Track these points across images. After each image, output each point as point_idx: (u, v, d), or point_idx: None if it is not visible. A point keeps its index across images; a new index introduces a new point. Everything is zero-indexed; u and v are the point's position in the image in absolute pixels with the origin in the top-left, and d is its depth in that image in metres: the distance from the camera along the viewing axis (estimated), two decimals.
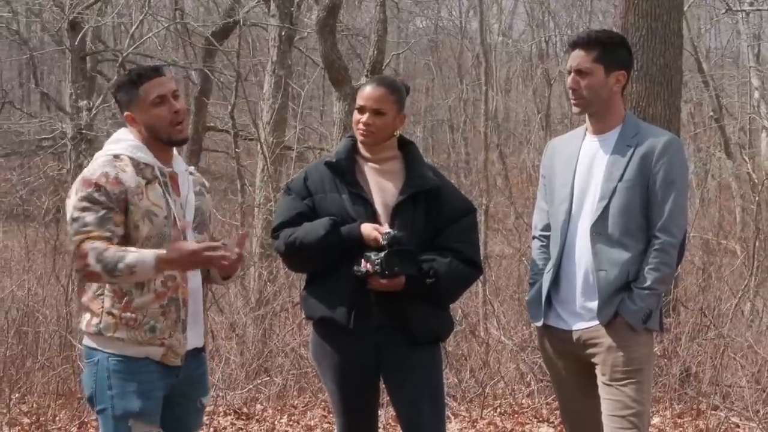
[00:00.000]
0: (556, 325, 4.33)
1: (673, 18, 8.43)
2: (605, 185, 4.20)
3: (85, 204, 3.72)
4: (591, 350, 4.24)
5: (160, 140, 3.87)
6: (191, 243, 3.74)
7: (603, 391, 4.22)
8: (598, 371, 4.24)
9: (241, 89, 16.69)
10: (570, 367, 4.36)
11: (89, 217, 3.71)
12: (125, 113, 3.90)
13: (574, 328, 4.27)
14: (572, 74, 4.27)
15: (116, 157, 3.84)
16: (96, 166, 3.81)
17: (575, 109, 4.33)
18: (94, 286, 3.81)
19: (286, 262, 4.49)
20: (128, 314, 3.77)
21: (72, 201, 3.76)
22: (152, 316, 3.79)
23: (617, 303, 4.17)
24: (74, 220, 3.73)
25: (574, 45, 4.28)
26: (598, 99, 4.25)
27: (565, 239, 4.28)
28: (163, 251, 3.67)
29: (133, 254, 3.67)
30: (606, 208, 4.19)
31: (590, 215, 4.22)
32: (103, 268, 3.66)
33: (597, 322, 4.20)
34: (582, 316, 4.25)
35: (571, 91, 4.29)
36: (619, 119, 4.30)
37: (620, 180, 4.19)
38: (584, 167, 4.28)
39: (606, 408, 4.20)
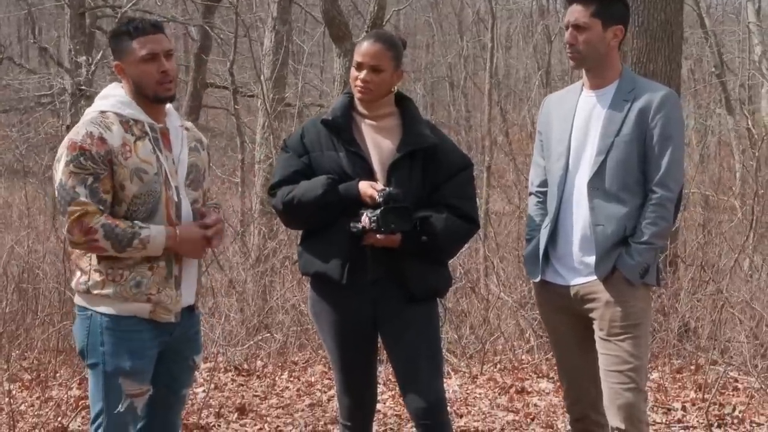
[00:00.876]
0: (553, 280, 4.34)
1: None
2: (602, 140, 4.19)
3: (71, 169, 3.71)
4: (588, 305, 4.25)
5: (146, 97, 3.84)
6: (203, 232, 3.86)
7: (600, 346, 4.23)
8: (595, 326, 4.25)
9: (241, 45, 16.61)
10: (567, 323, 4.37)
11: (79, 187, 3.70)
12: (115, 62, 3.87)
13: (571, 283, 4.28)
14: (570, 29, 4.25)
15: (102, 113, 3.82)
16: (81, 126, 3.79)
17: (572, 63, 4.32)
18: None
19: (283, 220, 4.48)
20: (113, 270, 3.78)
21: (60, 165, 3.75)
22: (138, 271, 3.79)
23: (615, 258, 4.17)
24: (62, 186, 3.73)
25: (571, 0, 4.26)
26: (596, 54, 4.23)
27: (562, 195, 4.28)
28: (174, 236, 3.78)
29: (144, 230, 3.74)
30: (603, 163, 4.18)
31: (587, 170, 4.21)
32: (112, 244, 3.71)
33: (594, 277, 4.21)
34: (579, 272, 4.26)
35: (568, 45, 4.27)
36: (616, 74, 4.28)
37: (617, 135, 4.18)
38: (581, 122, 4.27)
39: (603, 363, 4.22)
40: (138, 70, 3.81)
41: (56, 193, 3.78)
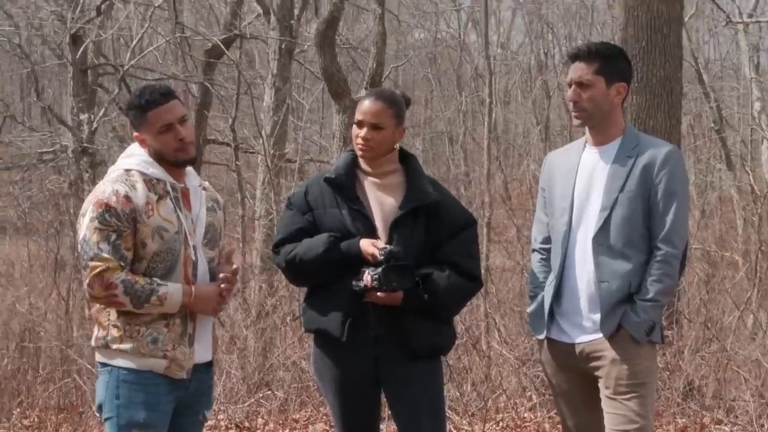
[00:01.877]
0: (558, 338, 4.32)
1: (672, 30, 8.43)
2: (606, 196, 4.19)
3: (96, 225, 3.81)
4: (594, 363, 4.22)
5: (167, 162, 3.93)
6: (214, 290, 3.93)
7: (606, 405, 4.20)
8: (601, 384, 4.22)
9: (242, 102, 16.70)
10: (572, 381, 4.34)
11: (102, 243, 3.79)
12: (135, 134, 3.97)
13: (576, 341, 4.26)
14: (573, 87, 4.26)
15: (127, 172, 3.91)
16: (107, 183, 3.89)
17: (576, 122, 4.32)
18: None
19: (287, 277, 4.52)
20: (131, 326, 3.84)
21: (85, 220, 3.84)
22: (155, 328, 3.86)
23: (620, 315, 4.16)
24: (86, 241, 3.82)
25: (575, 57, 4.27)
26: (600, 111, 4.24)
27: (566, 251, 4.27)
28: (190, 294, 3.85)
29: (162, 288, 3.81)
30: (608, 219, 4.18)
31: (592, 226, 4.21)
32: (130, 300, 3.79)
33: (600, 335, 4.19)
34: (585, 329, 4.24)
35: (572, 103, 4.28)
36: (619, 131, 4.29)
37: (621, 190, 4.18)
38: (584, 178, 4.27)
39: (609, 422, 4.18)
40: (156, 141, 3.91)
41: (79, 247, 3.87)
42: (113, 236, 3.79)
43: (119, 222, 3.80)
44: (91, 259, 3.79)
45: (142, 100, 3.91)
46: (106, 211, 3.80)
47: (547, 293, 4.34)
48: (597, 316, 4.19)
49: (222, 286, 3.96)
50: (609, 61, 4.25)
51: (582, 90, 4.23)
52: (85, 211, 3.86)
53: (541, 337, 4.36)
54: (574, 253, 4.26)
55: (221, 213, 4.17)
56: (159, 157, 3.93)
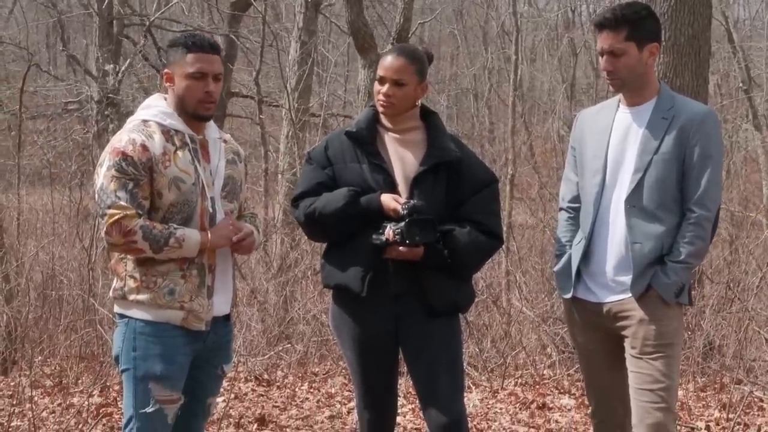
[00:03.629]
0: (585, 297, 4.30)
1: None
2: (640, 158, 4.16)
3: (113, 173, 3.80)
4: (621, 323, 4.21)
5: (185, 112, 3.92)
6: (231, 233, 3.90)
7: (632, 364, 4.20)
8: (627, 344, 4.21)
9: (267, 55, 16.65)
10: (598, 340, 4.33)
11: (120, 191, 3.79)
12: (165, 70, 3.95)
13: (604, 300, 4.24)
14: (605, 56, 4.20)
15: (145, 122, 3.90)
16: (124, 132, 3.88)
17: (612, 89, 4.28)
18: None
19: (306, 232, 4.48)
20: (148, 277, 3.85)
21: (102, 169, 3.84)
22: (172, 279, 3.85)
23: (650, 276, 4.14)
24: (103, 189, 3.82)
25: (601, 26, 4.19)
26: (635, 76, 4.20)
27: (597, 211, 4.24)
28: (208, 236, 3.84)
29: (179, 230, 3.81)
30: (641, 181, 4.15)
31: (625, 188, 4.18)
32: (150, 245, 3.79)
33: (628, 295, 4.17)
34: (613, 289, 4.22)
35: (606, 72, 4.22)
36: (654, 91, 4.25)
37: (656, 152, 4.15)
38: (618, 139, 4.23)
39: (634, 381, 4.18)
40: (184, 84, 3.89)
41: (96, 196, 3.87)
42: (130, 184, 3.79)
43: (136, 171, 3.79)
44: (109, 207, 3.78)
45: (189, 40, 3.90)
46: (123, 159, 3.79)
47: (575, 252, 4.31)
48: (626, 278, 4.17)
49: (235, 237, 3.94)
50: (637, 25, 4.17)
51: (614, 58, 4.18)
52: (102, 161, 3.86)
53: (568, 296, 4.34)
54: (606, 213, 4.23)
55: (242, 165, 4.14)
56: (179, 106, 3.91)
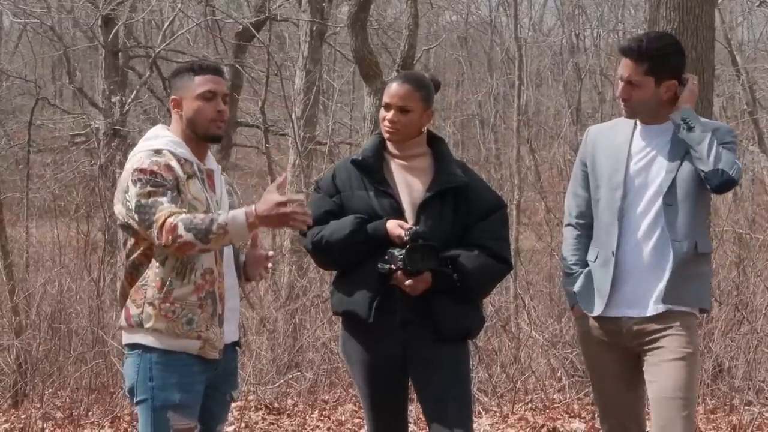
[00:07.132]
0: (608, 314, 4.29)
1: (705, 11, 8.35)
2: (671, 162, 4.20)
3: (149, 189, 3.76)
4: (646, 338, 4.21)
5: (195, 134, 3.91)
6: (278, 196, 3.74)
7: (653, 374, 4.19)
8: (649, 356, 4.21)
9: (272, 85, 16.72)
10: (616, 359, 4.32)
11: (161, 198, 3.74)
12: (172, 96, 3.94)
13: (633, 315, 4.25)
14: (623, 83, 4.23)
15: (157, 152, 3.86)
16: (142, 158, 3.83)
17: (625, 114, 4.31)
18: (143, 275, 3.82)
19: (315, 260, 4.52)
20: (167, 305, 3.81)
21: (133, 192, 3.77)
22: (190, 308, 3.83)
23: (683, 287, 4.17)
24: (142, 205, 3.75)
25: (624, 53, 4.23)
26: (647, 108, 4.25)
27: (621, 226, 4.25)
28: (251, 207, 3.72)
29: (222, 215, 3.73)
30: (674, 181, 4.20)
31: (657, 190, 4.21)
32: (195, 236, 3.70)
33: (652, 312, 4.19)
34: (641, 304, 4.23)
35: (621, 99, 4.26)
36: (668, 117, 4.28)
37: (687, 152, 4.18)
38: (641, 152, 4.27)
39: (657, 390, 4.17)
40: (194, 106, 3.89)
41: (136, 216, 3.77)
42: (169, 192, 3.75)
43: (168, 183, 3.77)
44: (154, 215, 3.72)
45: (195, 65, 3.93)
46: (153, 176, 3.76)
47: (599, 269, 4.31)
48: (655, 293, 4.19)
49: (287, 209, 3.74)
50: (660, 61, 4.20)
51: (631, 88, 4.22)
52: (127, 187, 3.80)
53: (596, 314, 4.32)
54: (630, 226, 4.24)
55: (235, 198, 4.14)
56: (189, 130, 3.90)
